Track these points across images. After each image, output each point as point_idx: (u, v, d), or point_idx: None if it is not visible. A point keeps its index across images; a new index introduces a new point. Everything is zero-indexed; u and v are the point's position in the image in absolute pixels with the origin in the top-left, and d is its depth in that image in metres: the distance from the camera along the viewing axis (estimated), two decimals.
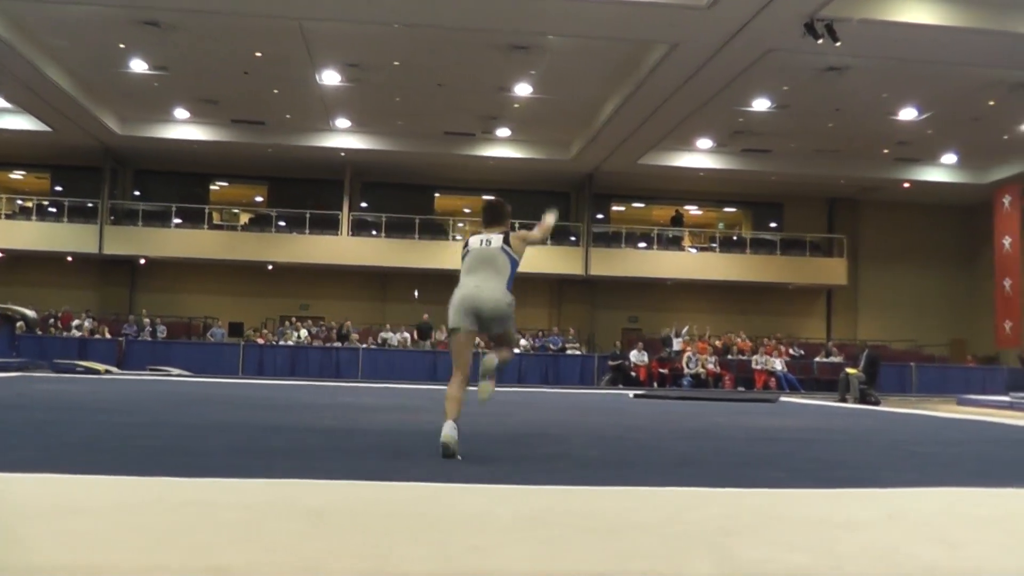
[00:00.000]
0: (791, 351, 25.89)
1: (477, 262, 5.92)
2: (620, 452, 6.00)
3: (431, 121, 25.18)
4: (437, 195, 31.43)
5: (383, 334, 25.06)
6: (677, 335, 25.09)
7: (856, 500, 4.11)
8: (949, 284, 32.63)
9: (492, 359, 5.73)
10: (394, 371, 22.24)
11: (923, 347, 30.12)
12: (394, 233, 28.62)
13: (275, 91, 22.65)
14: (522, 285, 29.12)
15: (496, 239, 5.97)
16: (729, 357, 24.77)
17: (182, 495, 3.67)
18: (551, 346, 25.28)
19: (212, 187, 30.54)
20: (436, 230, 29.33)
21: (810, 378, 24.42)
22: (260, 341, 23.91)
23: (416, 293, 27.59)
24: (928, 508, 3.99)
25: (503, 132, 26.04)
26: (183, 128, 25.90)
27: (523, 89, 21.96)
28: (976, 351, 30.07)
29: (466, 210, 32.37)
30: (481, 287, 5.77)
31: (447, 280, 25.34)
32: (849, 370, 17.18)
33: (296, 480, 4.10)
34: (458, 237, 29.83)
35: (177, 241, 27.60)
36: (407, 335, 25.14)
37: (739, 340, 26.18)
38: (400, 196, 30.38)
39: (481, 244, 5.97)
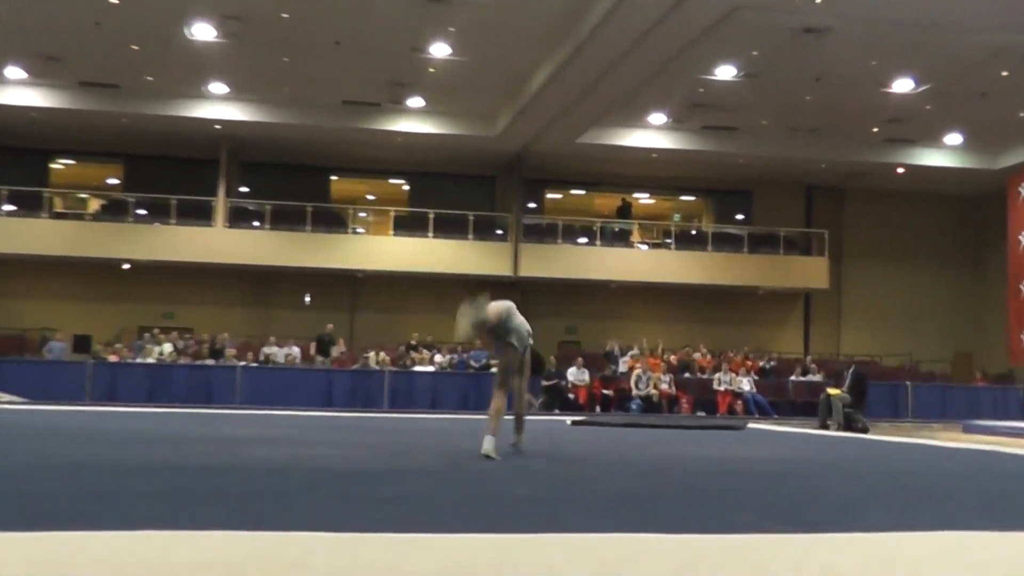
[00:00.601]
0: (761, 368, 26.27)
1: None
2: (552, 490, 6.03)
3: (327, 88, 25.10)
4: (334, 178, 31.28)
5: (266, 349, 24.82)
6: (622, 353, 25.28)
7: (837, 546, 4.11)
8: (952, 288, 33.41)
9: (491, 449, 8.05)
10: (281, 395, 22.00)
11: (921, 363, 30.78)
12: (281, 224, 28.40)
13: (134, 47, 22.35)
14: (437, 288, 29.19)
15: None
16: (687, 375, 25.03)
17: (18, 552, 3.59)
18: (472, 363, 25.28)
19: (54, 166, 30.01)
20: (332, 221, 29.18)
21: (784, 400, 24.78)
22: (113, 358, 23.50)
23: (307, 298, 27.41)
24: (924, 555, 4.01)
25: (415, 102, 26.01)
26: (17, 91, 25.41)
27: (440, 49, 21.95)
28: (985, 367, 30.67)
29: (369, 197, 32.26)
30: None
31: (345, 282, 25.25)
32: (831, 391, 17.38)
33: (162, 531, 4.07)
34: (359, 229, 29.73)
35: (8, 233, 27.03)
36: (296, 350, 24.93)
37: (699, 355, 26.47)
38: (289, 179, 30.17)
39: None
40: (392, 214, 29.54)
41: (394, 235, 29.12)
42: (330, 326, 25.81)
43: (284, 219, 28.55)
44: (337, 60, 22.77)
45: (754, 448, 10.68)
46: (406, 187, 31.85)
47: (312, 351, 25.15)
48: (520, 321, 8.90)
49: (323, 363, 24.52)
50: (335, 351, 25.30)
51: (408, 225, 29.40)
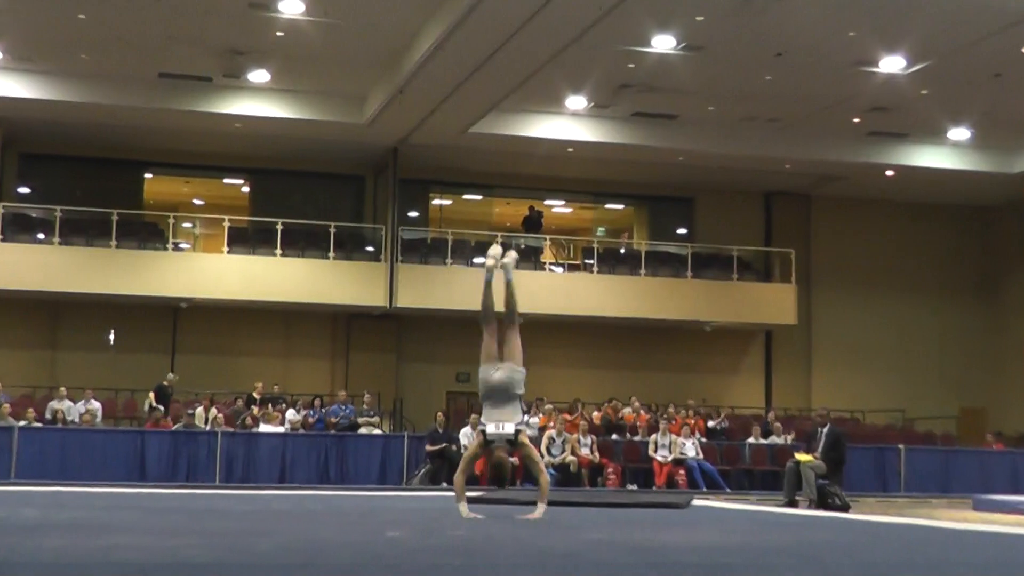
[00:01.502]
0: (710, 428, 26.45)
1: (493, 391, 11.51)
2: None
3: (139, 56, 24.95)
4: (149, 176, 31.08)
5: (55, 404, 24.39)
6: (531, 408, 25.31)
7: None
8: (957, 324, 33.96)
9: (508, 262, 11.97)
10: (74, 465, 21.67)
11: (916, 421, 31.17)
12: (76, 237, 28.00)
13: None
14: (286, 323, 28.94)
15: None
16: (614, 438, 25.12)
17: None
18: (333, 420, 25.11)
19: None
20: (146, 233, 28.87)
21: (740, 469, 25.04)
22: None
23: (111, 336, 27.01)
24: None
25: (258, 76, 25.91)
26: None
27: (290, 6, 21.96)
28: (1002, 427, 30.82)
29: (196, 202, 31.97)
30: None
31: (163, 315, 24.95)
32: (800, 456, 17.57)
33: None
34: (183, 245, 29.40)
35: None
36: (97, 405, 24.54)
37: (629, 411, 26.63)
38: (87, 177, 29.91)
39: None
40: (227, 224, 29.26)
41: (229, 252, 28.87)
42: (171, 375, 25.54)
43: (80, 230, 28.12)
44: (152, 19, 22.64)
45: (700, 533, 10.67)
46: (246, 189, 31.67)
47: (143, 407, 24.66)
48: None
49: (157, 415, 24.14)
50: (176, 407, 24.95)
51: (248, 239, 29.20)
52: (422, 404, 29.31)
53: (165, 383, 25.52)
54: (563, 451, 23.65)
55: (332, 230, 29.07)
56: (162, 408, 24.63)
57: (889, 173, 30.40)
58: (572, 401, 26.59)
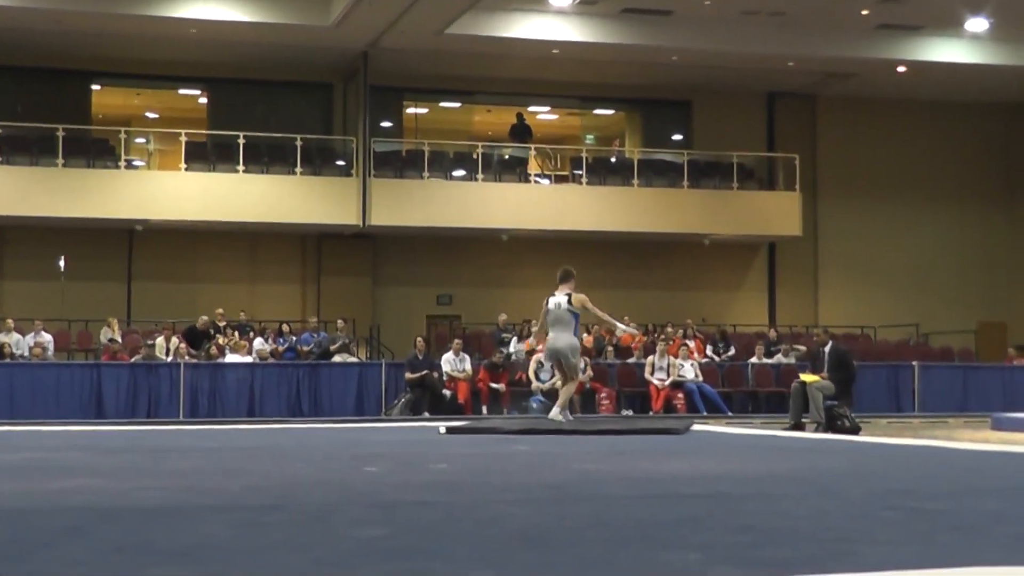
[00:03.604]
0: (710, 347, 26.48)
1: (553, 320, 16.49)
2: (417, 530, 5.98)
3: None
4: (96, 88, 30.94)
5: (2, 336, 24.38)
6: (517, 331, 25.30)
7: None
8: (976, 234, 33.99)
9: (556, 415, 16.02)
10: (24, 402, 21.68)
11: (932, 336, 31.24)
12: (17, 156, 27.83)
13: None
14: (256, 243, 28.93)
15: (563, 299, 16.63)
16: (607, 361, 25.14)
17: None
18: (304, 348, 25.11)
19: None
20: (95, 150, 28.74)
21: (742, 391, 25.34)
22: None
23: (61, 263, 26.93)
24: None
25: None
26: None
27: None
28: (1022, 341, 30.84)
29: (150, 115, 31.78)
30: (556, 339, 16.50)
31: (117, 238, 24.99)
32: (806, 377, 17.70)
33: None
34: (136, 162, 29.23)
35: None
36: (47, 338, 24.52)
37: (622, 332, 26.57)
38: (27, 90, 29.77)
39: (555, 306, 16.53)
40: (183, 139, 29.11)
41: (187, 169, 28.79)
42: (219, 310, 25.53)
43: (23, 148, 28.01)
44: None
45: (700, 460, 10.72)
46: (203, 100, 31.50)
47: (164, 347, 24.50)
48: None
49: (195, 358, 24.15)
50: (106, 335, 24.90)
51: (207, 155, 29.11)
52: (401, 330, 29.30)
53: (198, 326, 25.48)
54: (552, 375, 23.54)
55: (298, 143, 28.96)
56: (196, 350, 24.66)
57: (901, 69, 30.31)
58: None
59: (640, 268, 31.50)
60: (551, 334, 16.72)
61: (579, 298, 16.84)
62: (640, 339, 25.87)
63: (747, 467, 10.04)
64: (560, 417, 16.08)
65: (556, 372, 18.42)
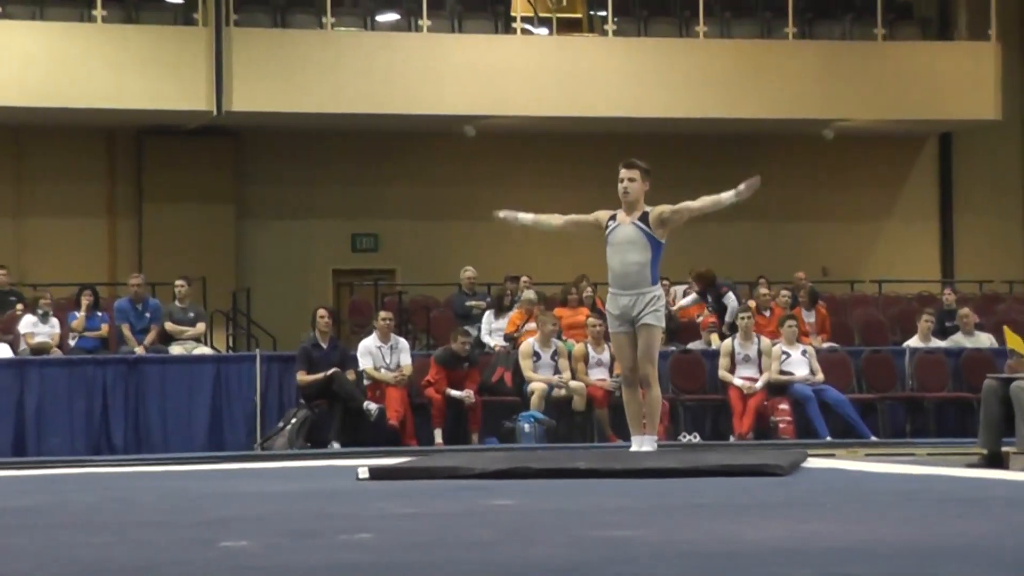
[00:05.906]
0: (837, 323, 21.77)
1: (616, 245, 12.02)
2: None
3: None
4: None
5: None
6: (496, 298, 21.20)
7: None
8: None
9: (650, 446, 12.25)
10: None
11: None
12: None
13: None
14: (25, 143, 23.24)
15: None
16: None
17: None
18: (119, 330, 19.85)
19: None
20: None
21: (894, 399, 20.14)
22: None
23: None
24: None
25: None
26: None
27: None
28: None
29: None
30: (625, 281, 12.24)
31: None
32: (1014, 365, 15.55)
33: None
34: None
35: None
36: None
37: (680, 294, 21.64)
38: None
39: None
40: None
41: None
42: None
43: None
44: None
45: (820, 523, 8.26)
46: None
47: None
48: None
49: None
50: None
51: None
52: (287, 297, 24.36)
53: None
54: (556, 372, 18.83)
55: None
56: None
57: None
58: (573, 281, 20.73)
59: (710, 182, 23.36)
60: (615, 276, 12.28)
61: (661, 212, 12.32)
62: (705, 316, 20.63)
63: (906, 535, 7.48)
64: (654, 448, 12.33)
65: (618, 359, 13.39)
